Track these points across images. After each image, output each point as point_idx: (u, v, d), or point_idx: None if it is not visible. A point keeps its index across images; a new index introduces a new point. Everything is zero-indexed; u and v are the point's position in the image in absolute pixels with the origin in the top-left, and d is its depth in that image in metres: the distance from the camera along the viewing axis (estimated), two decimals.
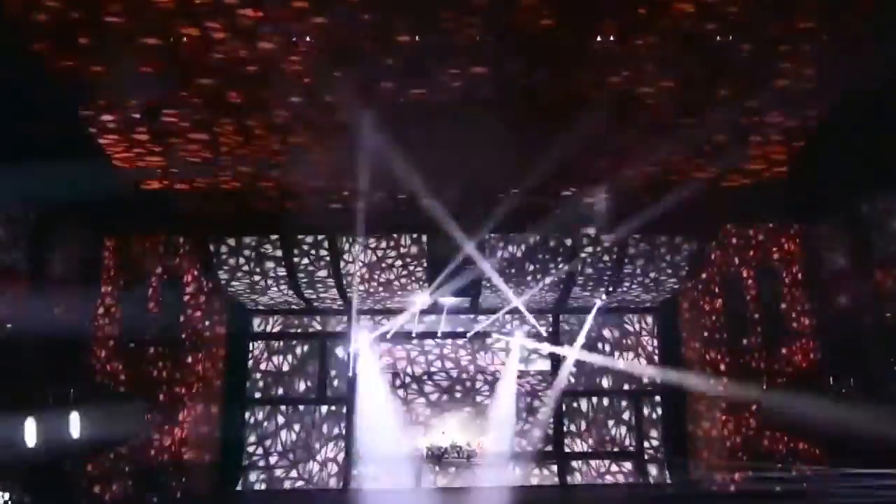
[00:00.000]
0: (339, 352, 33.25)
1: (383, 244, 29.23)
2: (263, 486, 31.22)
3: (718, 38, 17.78)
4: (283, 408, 32.54)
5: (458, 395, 33.58)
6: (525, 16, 17.18)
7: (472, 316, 33.84)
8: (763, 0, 16.45)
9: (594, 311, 31.64)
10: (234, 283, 29.94)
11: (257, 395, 32.60)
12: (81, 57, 18.19)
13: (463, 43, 18.31)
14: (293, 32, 17.72)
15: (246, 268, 29.25)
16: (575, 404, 33.31)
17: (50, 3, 16.19)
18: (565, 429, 32.94)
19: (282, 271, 29.55)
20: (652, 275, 30.49)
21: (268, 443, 31.98)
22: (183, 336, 28.62)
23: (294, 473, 31.53)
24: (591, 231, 28.23)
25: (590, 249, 29.23)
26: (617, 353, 33.66)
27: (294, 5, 16.54)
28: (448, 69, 19.52)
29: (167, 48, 18.07)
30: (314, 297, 31.20)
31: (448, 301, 31.46)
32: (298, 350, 33.12)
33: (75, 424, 21.32)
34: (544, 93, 20.50)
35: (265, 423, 32.26)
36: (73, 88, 19.57)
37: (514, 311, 33.21)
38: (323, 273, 29.63)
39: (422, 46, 18.36)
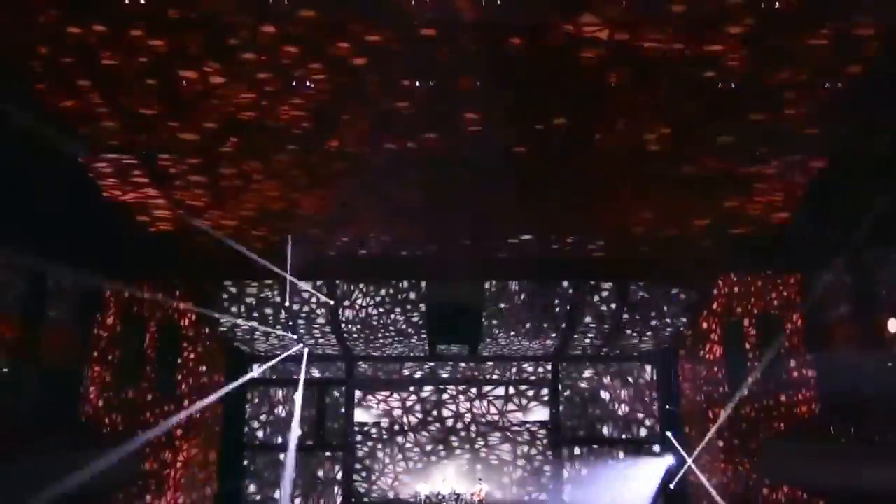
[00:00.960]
0: (337, 398, 33.13)
1: (382, 291, 28.93)
2: None
3: (720, 85, 17.74)
4: (280, 454, 32.35)
5: (456, 442, 33.43)
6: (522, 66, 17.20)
7: (471, 363, 33.80)
8: (764, 50, 16.41)
9: None
10: (232, 328, 29.78)
11: (255, 441, 32.42)
12: (80, 98, 18.17)
13: (465, 91, 18.28)
14: (293, 78, 17.67)
15: (244, 314, 29.09)
16: (575, 451, 33.24)
17: (43, 50, 16.14)
18: (566, 476, 32.80)
19: (280, 317, 29.37)
20: (652, 323, 30.29)
21: (266, 488, 31.78)
22: (180, 382, 28.41)
23: None
24: None
25: (590, 298, 29.08)
26: (616, 402, 33.58)
27: (288, 50, 16.50)
28: (452, 118, 19.51)
29: (166, 91, 18.03)
30: (312, 343, 31.00)
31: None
32: (296, 396, 33.03)
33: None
34: (548, 143, 20.47)
35: (263, 469, 32.13)
36: (72, 131, 19.55)
37: (513, 358, 33.33)
38: (321, 320, 29.39)
39: (425, 93, 18.32)
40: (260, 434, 32.70)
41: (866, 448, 22.33)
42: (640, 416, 33.50)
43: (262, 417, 32.85)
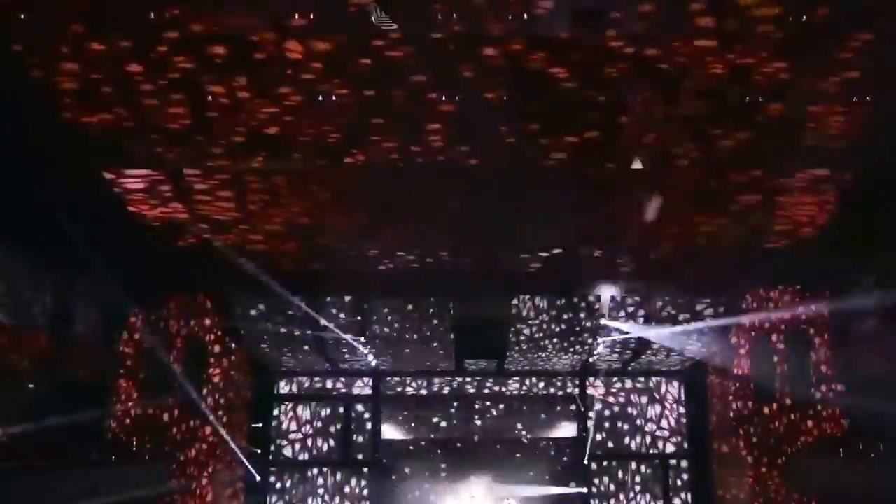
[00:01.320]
0: (363, 413, 33.09)
1: (409, 307, 28.86)
2: None
3: (748, 98, 17.65)
4: (308, 471, 32.33)
5: (483, 458, 33.36)
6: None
7: (498, 379, 33.73)
8: (795, 63, 16.33)
9: None
10: (259, 344, 29.73)
11: (282, 457, 32.39)
12: (104, 113, 18.18)
13: (493, 104, 18.25)
14: (319, 91, 17.66)
15: (271, 329, 29.03)
16: (604, 465, 33.14)
17: (69, 65, 16.15)
18: (594, 491, 32.67)
19: (307, 333, 29.28)
20: (680, 340, 30.09)
21: None
22: (206, 398, 28.39)
23: None
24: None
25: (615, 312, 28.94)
26: (644, 418, 33.47)
27: (312, 66, 16.50)
28: (481, 132, 19.48)
29: (192, 105, 18.04)
30: (339, 359, 30.96)
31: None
32: (323, 412, 33.00)
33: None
34: (577, 156, 20.44)
35: (291, 487, 32.08)
36: (96, 143, 19.58)
37: (541, 373, 33.23)
38: (348, 335, 29.30)
39: (452, 107, 18.30)
40: (287, 451, 32.53)
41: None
42: (668, 432, 33.32)
43: (291, 435, 32.72)
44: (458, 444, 33.64)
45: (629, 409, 33.74)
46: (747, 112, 17.79)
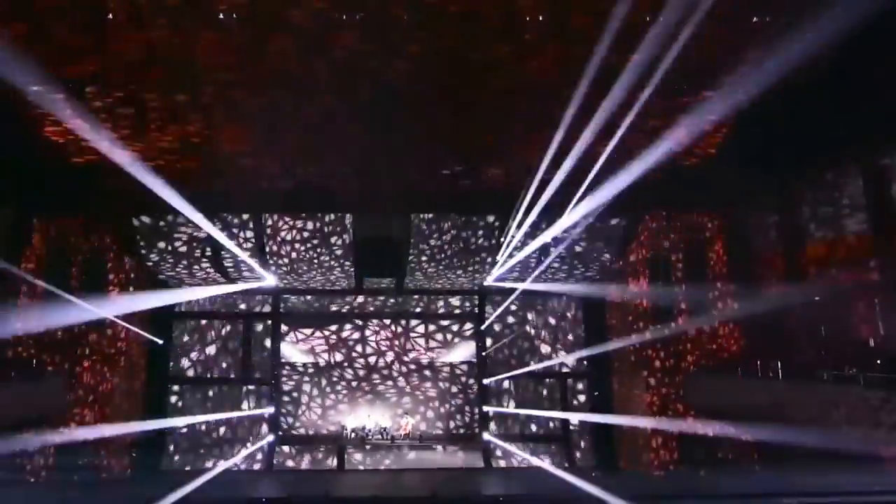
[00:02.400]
0: (262, 331, 33.31)
1: (309, 224, 28.94)
2: (187, 467, 30.92)
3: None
4: (206, 387, 32.48)
5: (381, 377, 33.75)
6: None
7: (396, 298, 34.07)
8: None
9: None
10: (158, 262, 29.69)
11: (180, 374, 32.49)
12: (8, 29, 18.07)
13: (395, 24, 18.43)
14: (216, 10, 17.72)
15: (170, 247, 29.01)
16: (505, 386, 33.64)
17: None
18: (491, 412, 33.19)
19: (207, 250, 29.30)
20: (581, 259, 30.58)
21: (190, 421, 31.85)
22: (105, 312, 28.29)
23: (217, 452, 31.43)
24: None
25: (516, 232, 29.11)
26: (544, 335, 33.86)
27: None
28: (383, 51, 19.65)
29: (95, 21, 18.00)
30: (238, 276, 31.02)
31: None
32: (222, 330, 33.02)
33: None
34: (474, 77, 20.66)
35: (189, 403, 32.17)
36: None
37: (439, 292, 33.46)
38: (247, 252, 29.32)
39: (355, 26, 18.45)
40: (185, 366, 32.64)
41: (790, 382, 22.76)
42: (566, 351, 33.76)
43: (188, 351, 32.79)
44: (357, 364, 33.82)
45: (527, 328, 34.09)
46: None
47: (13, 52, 17.66)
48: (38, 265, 27.60)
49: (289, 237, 29.00)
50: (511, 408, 33.37)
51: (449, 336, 34.22)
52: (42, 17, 17.64)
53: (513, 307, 33.97)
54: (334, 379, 33.51)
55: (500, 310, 33.86)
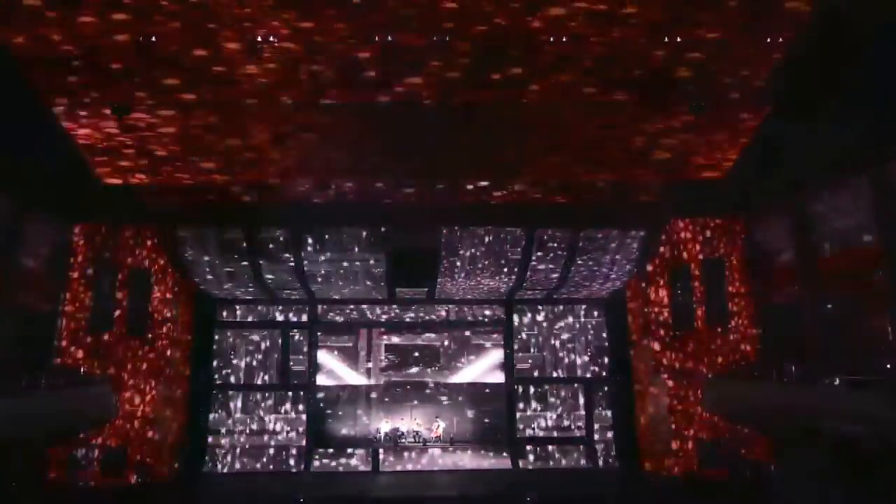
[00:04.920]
0: (300, 340, 34.27)
1: (344, 237, 29.87)
2: (227, 469, 31.99)
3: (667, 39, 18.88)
4: (246, 393, 33.53)
5: (414, 383, 34.83)
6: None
7: (429, 308, 35.09)
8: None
9: None
10: (200, 273, 30.76)
11: (221, 380, 33.52)
12: (49, 42, 19.05)
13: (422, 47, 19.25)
14: (258, 34, 18.57)
15: (212, 259, 30.11)
16: (531, 390, 34.47)
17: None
18: (518, 415, 34.01)
19: (246, 263, 30.28)
20: (603, 269, 31.45)
21: (232, 427, 32.95)
22: (149, 325, 29.43)
23: (257, 456, 32.31)
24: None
25: (543, 243, 29.90)
26: (568, 343, 34.73)
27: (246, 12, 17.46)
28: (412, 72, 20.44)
29: (138, 45, 18.87)
30: (276, 287, 32.05)
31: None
32: (261, 337, 33.84)
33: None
34: (500, 96, 21.42)
35: (230, 408, 33.17)
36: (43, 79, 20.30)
37: (469, 302, 34.22)
38: (285, 265, 30.44)
39: (385, 48, 19.26)
40: (227, 373, 33.66)
41: (804, 387, 23.21)
42: (589, 357, 34.67)
43: (231, 359, 33.81)
44: (391, 370, 34.86)
45: (553, 336, 34.93)
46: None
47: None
48: (83, 279, 28.61)
49: (325, 248, 29.96)
50: (537, 411, 34.20)
51: (479, 342, 35.13)
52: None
53: (539, 317, 34.83)
54: (369, 384, 34.59)
55: (527, 318, 34.71)
